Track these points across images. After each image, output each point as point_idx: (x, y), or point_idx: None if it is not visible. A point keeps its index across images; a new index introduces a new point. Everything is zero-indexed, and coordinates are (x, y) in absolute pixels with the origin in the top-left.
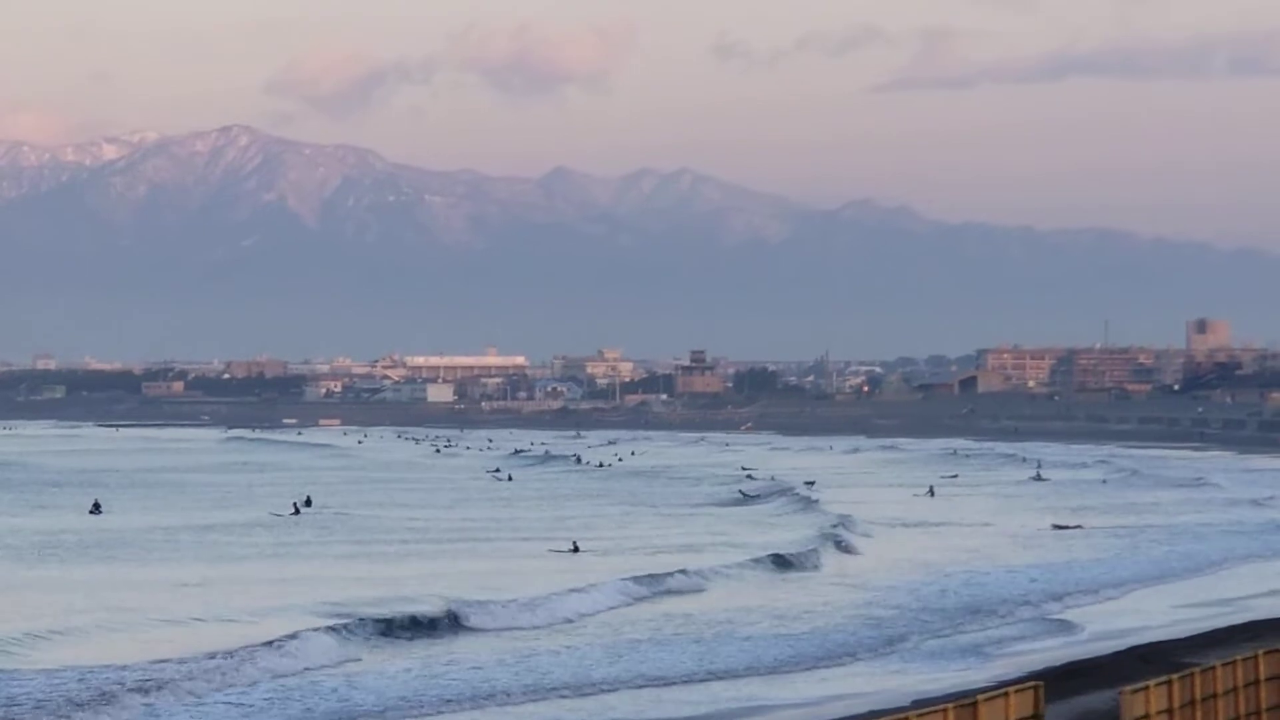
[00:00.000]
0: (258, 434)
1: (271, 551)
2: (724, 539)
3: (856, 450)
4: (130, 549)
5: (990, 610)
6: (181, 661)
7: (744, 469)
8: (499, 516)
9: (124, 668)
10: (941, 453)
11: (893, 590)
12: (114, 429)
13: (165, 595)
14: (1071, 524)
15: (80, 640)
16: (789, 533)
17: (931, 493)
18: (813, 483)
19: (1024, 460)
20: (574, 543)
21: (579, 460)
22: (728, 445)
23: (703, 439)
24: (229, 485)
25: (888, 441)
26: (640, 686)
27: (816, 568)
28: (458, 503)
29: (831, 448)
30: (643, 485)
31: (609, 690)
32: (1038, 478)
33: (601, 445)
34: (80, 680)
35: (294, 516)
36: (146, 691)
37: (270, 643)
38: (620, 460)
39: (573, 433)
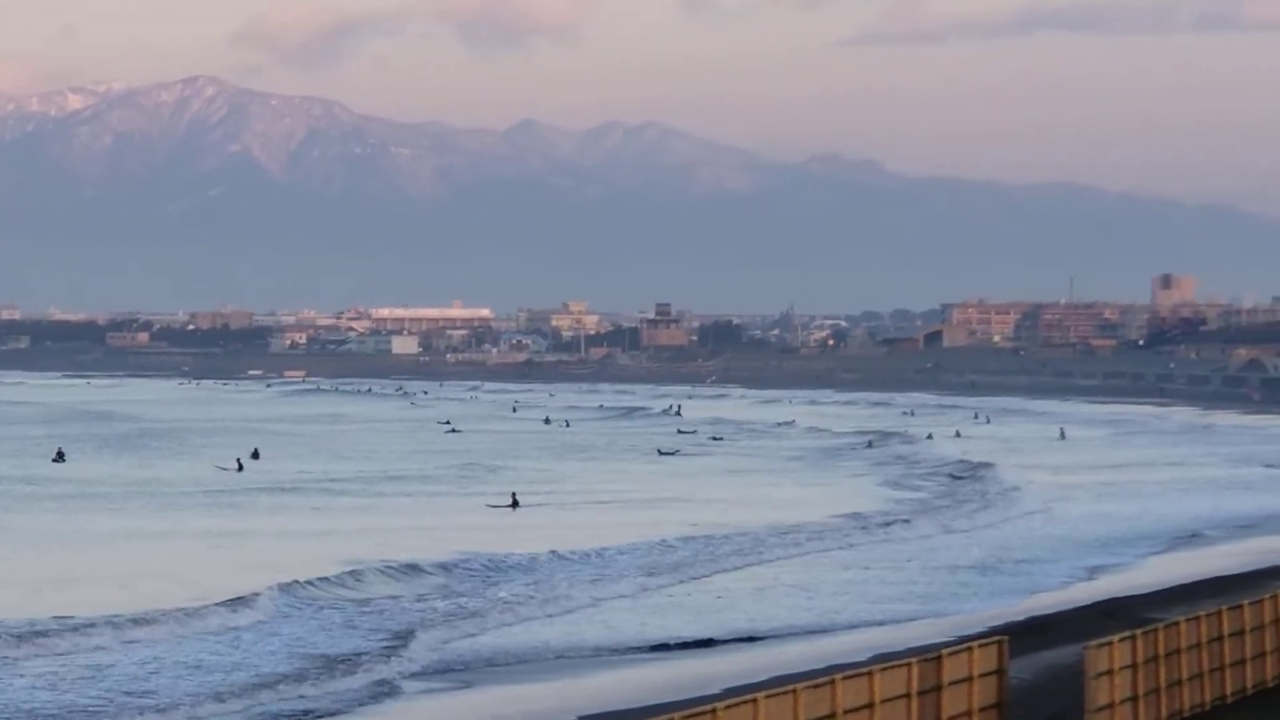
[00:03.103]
0: (320, 385)
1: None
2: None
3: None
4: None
5: None
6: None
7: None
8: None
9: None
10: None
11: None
12: (85, 380)
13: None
14: None
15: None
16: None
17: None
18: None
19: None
20: (513, 496)
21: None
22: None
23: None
24: (366, 434)
25: (883, 396)
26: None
27: None
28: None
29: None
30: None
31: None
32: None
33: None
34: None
35: (239, 473)
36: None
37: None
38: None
39: (587, 386)
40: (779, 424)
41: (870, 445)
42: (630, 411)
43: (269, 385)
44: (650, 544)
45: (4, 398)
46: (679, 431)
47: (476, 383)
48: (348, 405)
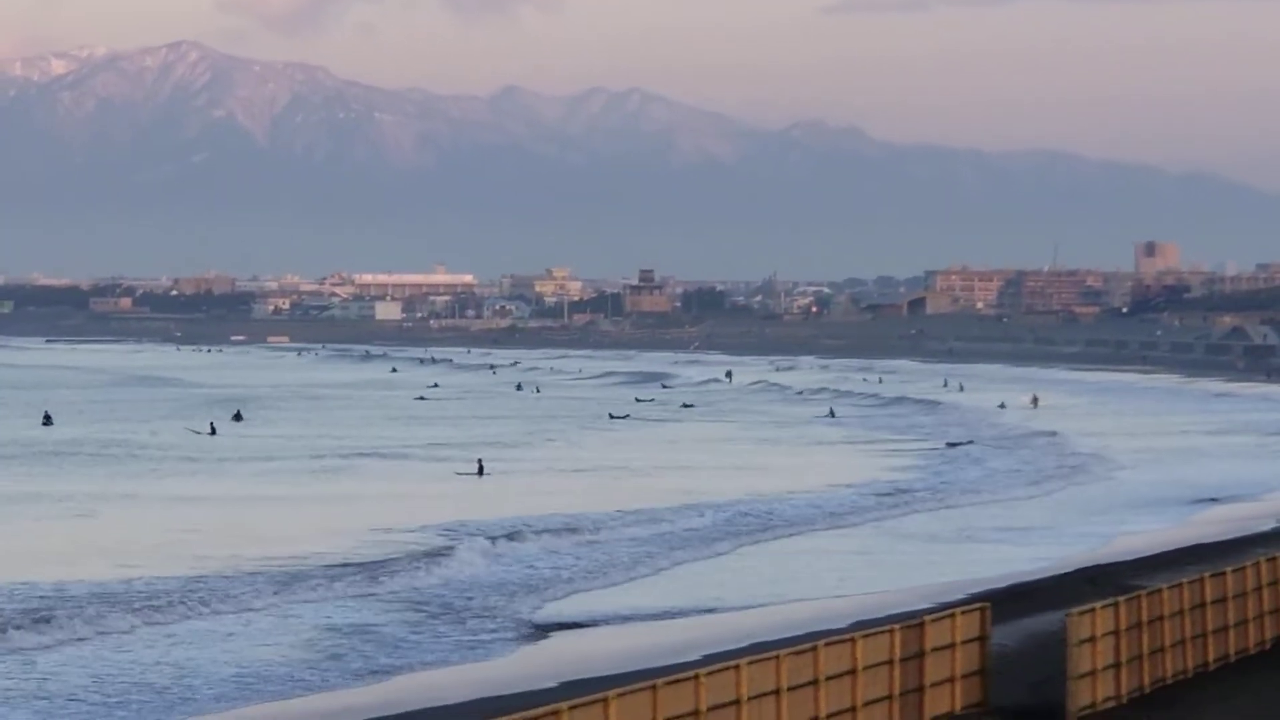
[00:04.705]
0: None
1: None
2: None
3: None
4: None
5: None
6: None
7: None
8: None
9: None
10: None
11: None
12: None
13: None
14: None
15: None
16: None
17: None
18: None
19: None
20: (479, 463)
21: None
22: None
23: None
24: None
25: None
26: None
27: None
28: None
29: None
30: None
31: None
32: (831, 414)
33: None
34: None
35: (213, 437)
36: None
37: None
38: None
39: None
40: (800, 392)
41: (832, 415)
42: (651, 377)
43: (246, 352)
44: (622, 513)
45: (33, 362)
46: (636, 400)
47: (487, 350)
48: (383, 372)
